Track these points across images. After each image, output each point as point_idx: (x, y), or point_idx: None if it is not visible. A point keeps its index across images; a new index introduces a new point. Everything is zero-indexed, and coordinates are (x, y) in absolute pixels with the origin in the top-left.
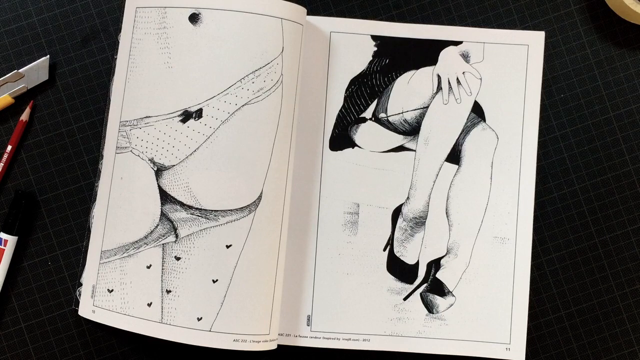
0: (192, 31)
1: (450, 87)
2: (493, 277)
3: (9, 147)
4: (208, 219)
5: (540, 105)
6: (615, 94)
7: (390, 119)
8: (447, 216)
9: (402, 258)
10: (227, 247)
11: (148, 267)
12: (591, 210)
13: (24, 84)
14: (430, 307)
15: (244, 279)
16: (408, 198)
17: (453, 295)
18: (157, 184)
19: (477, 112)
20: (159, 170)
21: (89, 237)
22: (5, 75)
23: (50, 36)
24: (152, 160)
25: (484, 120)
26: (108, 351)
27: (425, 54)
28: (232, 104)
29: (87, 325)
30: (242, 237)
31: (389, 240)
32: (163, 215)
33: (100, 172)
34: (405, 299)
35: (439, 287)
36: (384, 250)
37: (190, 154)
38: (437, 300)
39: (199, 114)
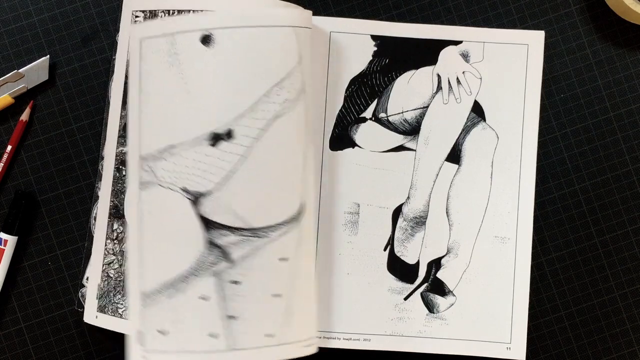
0: (205, 53)
1: (450, 87)
2: (493, 277)
3: (9, 147)
4: (259, 237)
5: (540, 105)
6: (615, 94)
7: (390, 118)
8: (447, 216)
9: (402, 258)
10: (281, 260)
11: (203, 298)
12: (591, 210)
13: (24, 84)
14: (430, 307)
15: (301, 288)
16: (408, 198)
17: (453, 295)
18: (196, 212)
19: (477, 111)
20: (196, 198)
21: (91, 239)
22: (5, 75)
23: (50, 36)
24: (185, 190)
25: (484, 120)
26: (108, 351)
27: (425, 53)
28: (262, 119)
29: (87, 326)
30: (295, 248)
31: (389, 240)
32: (209, 242)
33: (101, 173)
34: (405, 298)
35: (440, 287)
36: (385, 250)
37: (228, 176)
38: (438, 299)
39: (229, 134)
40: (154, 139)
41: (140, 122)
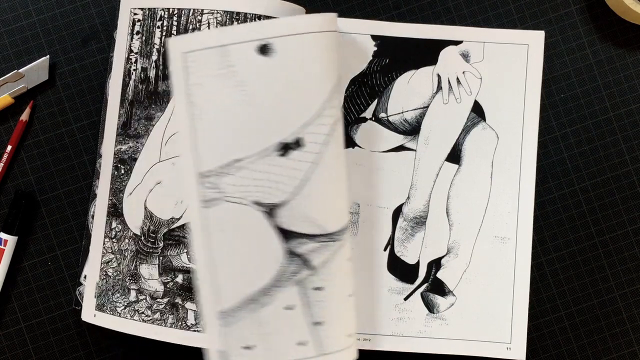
0: (264, 63)
1: (450, 87)
2: (493, 277)
3: (9, 147)
4: (335, 240)
5: (540, 105)
6: (615, 94)
7: (390, 118)
8: (447, 216)
9: (402, 258)
10: (348, 260)
11: (288, 308)
12: (591, 210)
13: (24, 84)
14: (430, 307)
15: (358, 285)
16: (408, 198)
17: (454, 295)
18: (272, 223)
19: (477, 111)
20: (271, 210)
21: (89, 237)
22: (5, 75)
23: (50, 36)
24: (257, 203)
25: (484, 120)
26: (108, 351)
27: (425, 53)
28: (327, 125)
29: (86, 326)
30: (352, 247)
31: (389, 240)
32: (289, 252)
33: (99, 171)
34: (405, 298)
35: (440, 287)
36: (385, 250)
37: (302, 184)
38: (438, 300)
39: (297, 143)
40: (214, 154)
41: (196, 138)
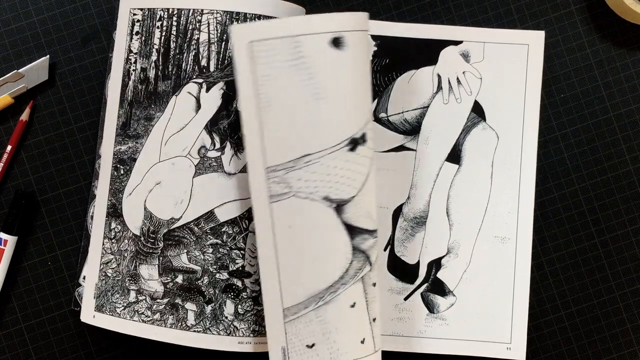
0: (337, 56)
1: (450, 87)
2: (493, 277)
3: (9, 147)
4: (378, 236)
5: (540, 105)
6: (615, 94)
7: (390, 118)
8: (447, 216)
9: (402, 258)
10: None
11: (352, 306)
12: (591, 210)
13: (24, 84)
14: (430, 307)
15: None
16: (408, 198)
17: (454, 295)
18: (341, 220)
19: (478, 111)
20: (339, 206)
21: (88, 237)
22: (5, 75)
23: (50, 36)
24: (327, 198)
25: (484, 120)
26: (108, 351)
27: (425, 53)
28: (374, 121)
29: (86, 326)
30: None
31: (389, 240)
32: (354, 249)
33: (98, 172)
34: (405, 298)
35: (440, 287)
36: (385, 250)
37: (364, 180)
38: (438, 300)
39: (363, 138)
40: (282, 148)
41: (263, 131)
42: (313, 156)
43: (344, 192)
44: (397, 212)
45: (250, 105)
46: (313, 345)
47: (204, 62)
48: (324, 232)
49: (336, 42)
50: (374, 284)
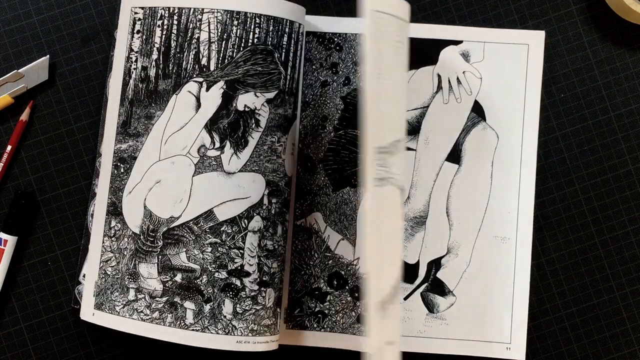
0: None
1: (450, 87)
2: (493, 277)
3: (9, 147)
4: None
5: (540, 105)
6: (615, 94)
7: None
8: (447, 216)
9: (403, 258)
10: None
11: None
12: (591, 210)
13: (24, 84)
14: (430, 307)
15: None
16: (408, 198)
17: (453, 295)
18: (404, 210)
19: (478, 111)
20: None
21: (88, 235)
22: (5, 75)
23: (50, 36)
24: (402, 188)
25: (484, 120)
26: (108, 351)
27: (425, 53)
28: None
29: (86, 326)
30: None
31: None
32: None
33: (98, 170)
34: (405, 298)
35: (440, 287)
36: None
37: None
38: (438, 299)
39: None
40: (388, 129)
41: (379, 108)
42: (401, 142)
43: (407, 182)
44: None
45: (374, 79)
46: (392, 342)
47: (204, 61)
48: (397, 222)
49: None
50: None
